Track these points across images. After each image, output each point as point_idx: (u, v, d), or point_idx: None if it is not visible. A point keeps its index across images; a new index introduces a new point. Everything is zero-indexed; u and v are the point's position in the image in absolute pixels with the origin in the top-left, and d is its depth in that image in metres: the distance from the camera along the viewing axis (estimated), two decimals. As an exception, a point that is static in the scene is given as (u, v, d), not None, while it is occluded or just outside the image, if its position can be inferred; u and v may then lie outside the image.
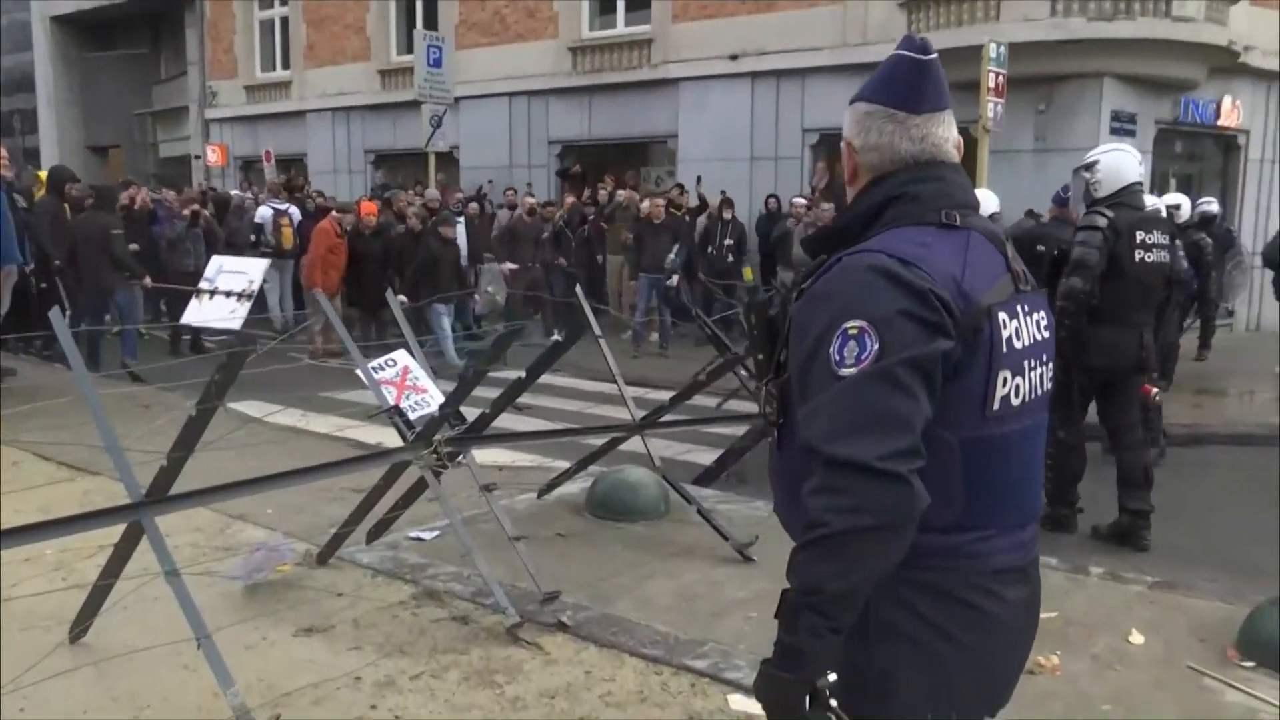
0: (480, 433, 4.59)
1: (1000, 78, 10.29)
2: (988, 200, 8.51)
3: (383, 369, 4.76)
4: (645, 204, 13.11)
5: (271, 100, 22.96)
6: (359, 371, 4.65)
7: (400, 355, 4.87)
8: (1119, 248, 5.89)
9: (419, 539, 5.24)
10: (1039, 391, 1.87)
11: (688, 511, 5.62)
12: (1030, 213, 10.31)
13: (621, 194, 14.93)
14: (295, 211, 13.87)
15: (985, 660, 1.82)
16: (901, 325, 1.69)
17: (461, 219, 13.59)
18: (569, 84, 17.69)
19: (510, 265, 13.48)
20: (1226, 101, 14.66)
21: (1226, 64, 13.98)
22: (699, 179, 15.22)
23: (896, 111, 1.90)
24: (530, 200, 14.64)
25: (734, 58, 15.89)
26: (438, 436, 4.44)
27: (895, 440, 1.65)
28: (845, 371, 1.68)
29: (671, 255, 12.62)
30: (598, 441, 5.44)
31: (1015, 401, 1.81)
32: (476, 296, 14.02)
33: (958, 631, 1.78)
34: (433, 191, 14.77)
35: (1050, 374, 1.90)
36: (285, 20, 22.56)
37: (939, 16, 13.89)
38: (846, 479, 1.63)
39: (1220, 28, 13.46)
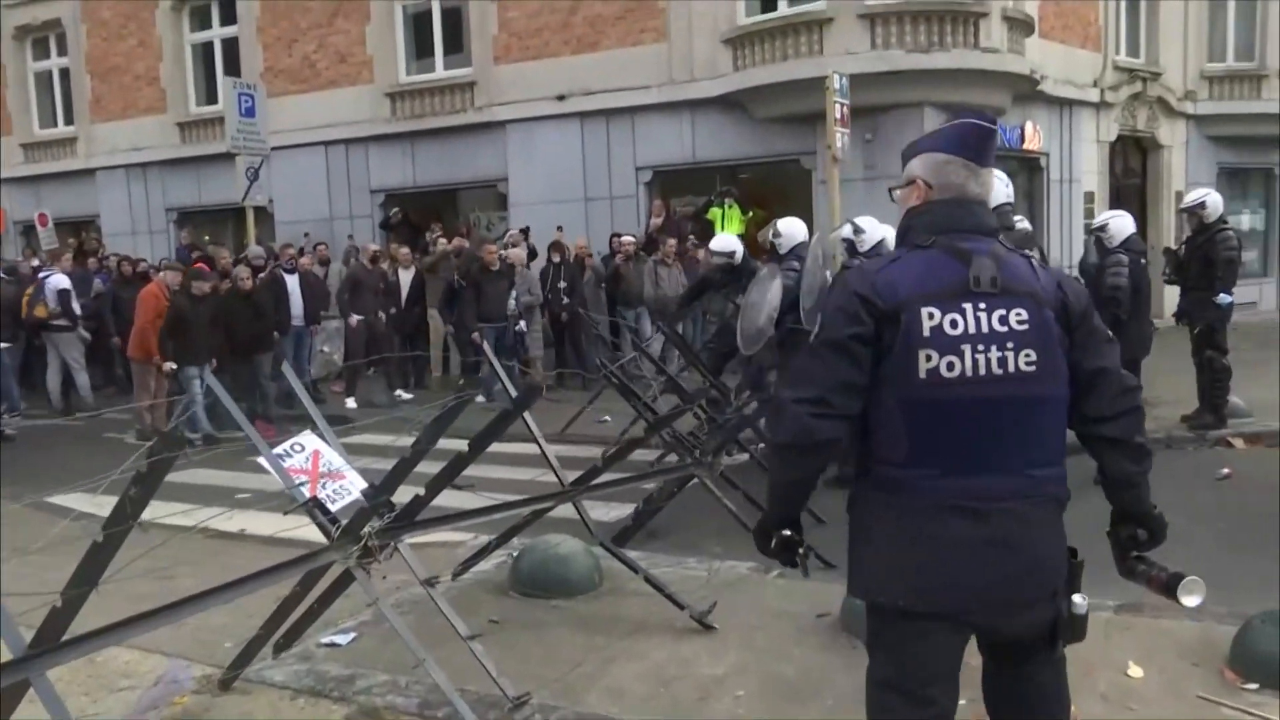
0: (414, 519, 4.01)
1: (845, 108, 10.40)
2: (800, 229, 8.54)
3: (289, 455, 4.11)
4: (506, 249, 12.63)
5: (54, 159, 21.03)
6: (263, 460, 3.98)
7: (308, 438, 4.22)
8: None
9: (333, 644, 4.56)
10: (1001, 370, 2.34)
11: (624, 580, 5.18)
12: (855, 228, 10.41)
13: (445, 242, 14.32)
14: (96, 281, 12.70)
15: (936, 570, 2.35)
16: (832, 315, 2.42)
17: (295, 274, 12.66)
18: (389, 130, 17.00)
19: (356, 317, 12.62)
20: (1029, 126, 15.49)
21: (1026, 91, 14.78)
22: (525, 231, 14.78)
23: (969, 163, 2.56)
24: (373, 248, 13.84)
25: (561, 98, 15.64)
26: (367, 529, 3.84)
27: (804, 390, 2.36)
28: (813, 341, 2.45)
29: (512, 302, 12.16)
30: (524, 511, 4.92)
31: (951, 374, 2.32)
32: (313, 356, 13.14)
33: (905, 544, 2.37)
34: (256, 249, 13.78)
35: (1030, 358, 2.35)
36: (65, 71, 20.73)
37: (764, 52, 14.08)
38: (779, 411, 2.44)
39: (1020, 57, 14.22)
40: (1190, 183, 18.82)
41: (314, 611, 4.28)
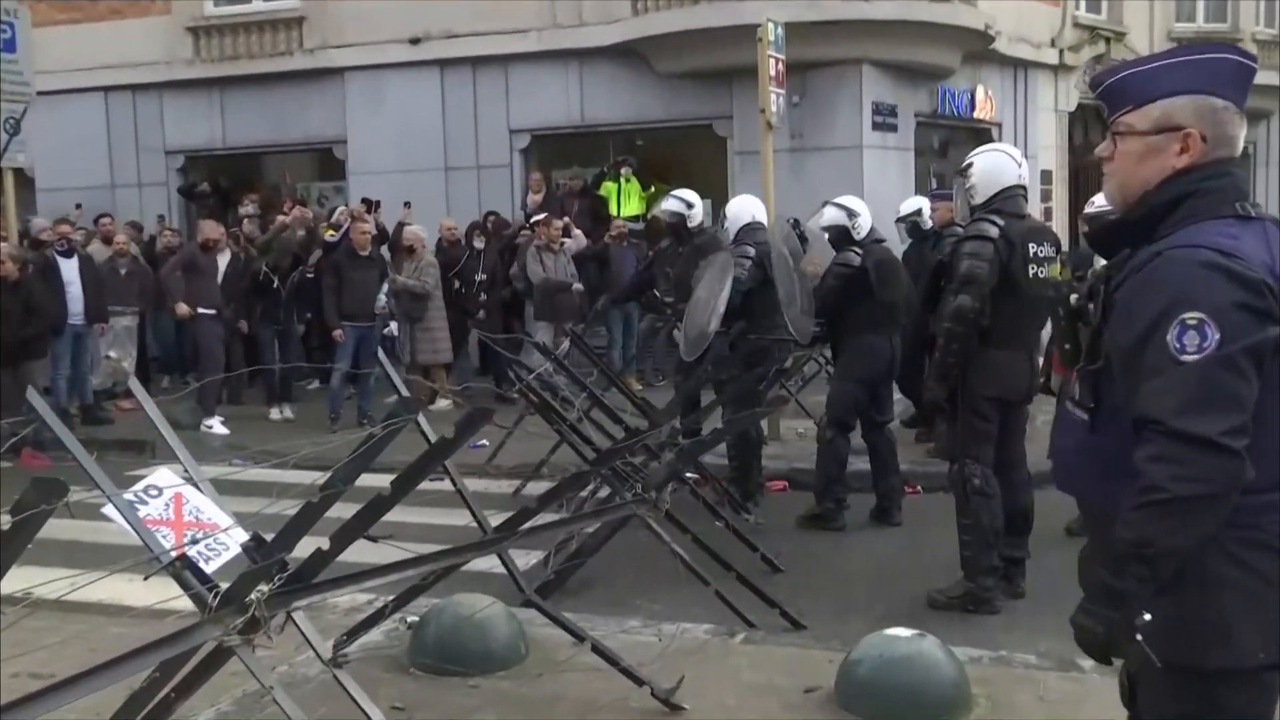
0: (313, 579, 3.81)
1: (780, 64, 10.49)
2: (747, 209, 8.62)
3: (143, 502, 3.86)
4: (366, 228, 12.30)
5: None
6: (109, 511, 3.73)
7: (163, 475, 3.98)
8: (1012, 262, 6.06)
9: (193, 744, 4.30)
10: None
11: (556, 649, 5.07)
12: (794, 223, 10.63)
13: (289, 214, 13.93)
14: None
15: None
16: (1238, 316, 2.24)
17: (74, 258, 12.11)
18: (190, 75, 16.48)
19: (204, 311, 12.11)
20: (980, 92, 16.01)
21: (978, 50, 15.26)
22: (371, 203, 14.47)
23: (1239, 111, 2.46)
24: (212, 228, 13.25)
25: (415, 41, 15.41)
26: (255, 594, 3.63)
27: (1233, 418, 2.22)
28: (1187, 358, 2.24)
29: (381, 298, 11.89)
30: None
31: None
32: (96, 364, 12.54)
33: (1270, 585, 2.32)
34: (40, 221, 13.13)
35: None
36: None
37: (677, -8, 14.12)
38: (1190, 451, 2.21)
39: (974, 9, 14.66)
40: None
41: (170, 702, 4.02)
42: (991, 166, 6.26)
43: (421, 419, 4.61)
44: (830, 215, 8.11)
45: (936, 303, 6.38)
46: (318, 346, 13.18)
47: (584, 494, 7.52)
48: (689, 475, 7.72)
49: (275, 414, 12.42)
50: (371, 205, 14.35)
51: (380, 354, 5.18)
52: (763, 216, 8.70)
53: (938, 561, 6.84)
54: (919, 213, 10.68)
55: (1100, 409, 2.46)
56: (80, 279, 12.08)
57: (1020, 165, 6.34)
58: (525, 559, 6.16)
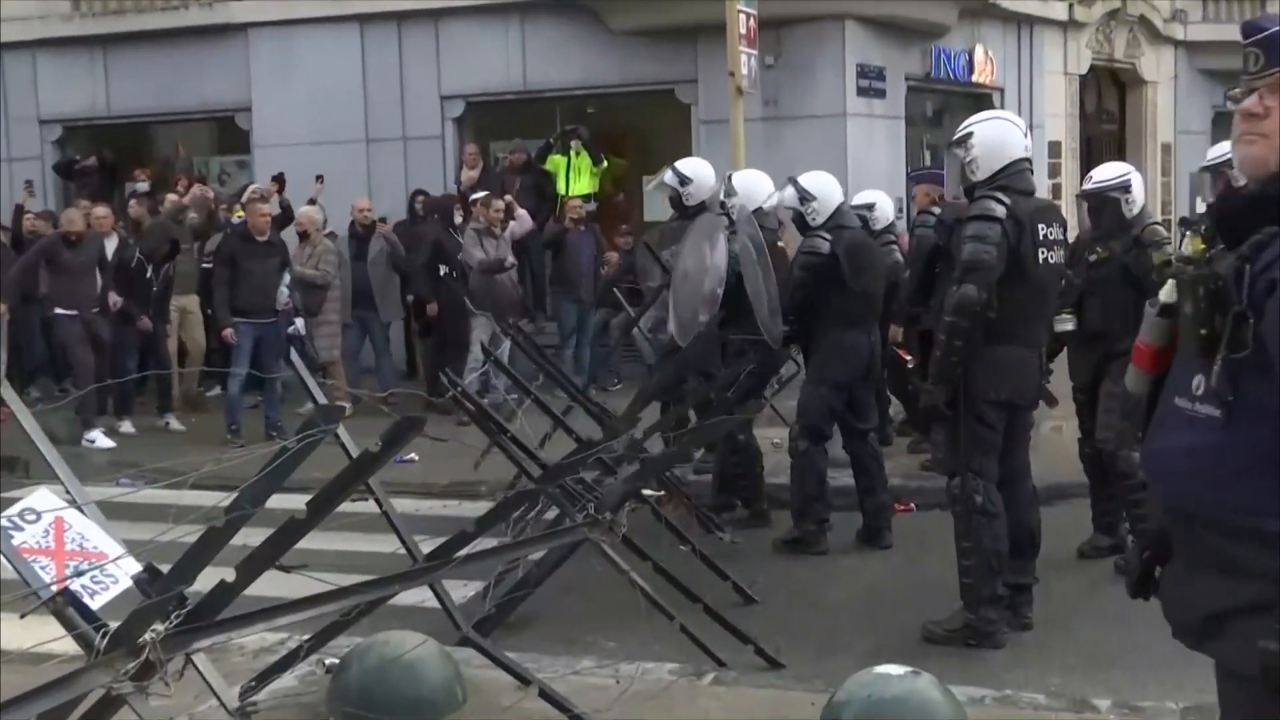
0: (216, 617, 3.80)
1: (752, 20, 10.56)
2: (759, 185, 8.66)
3: (18, 528, 3.85)
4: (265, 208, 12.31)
5: None
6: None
7: (41, 497, 3.97)
8: (1021, 245, 6.10)
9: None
10: None
11: (499, 693, 5.08)
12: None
13: (184, 193, 13.93)
14: None
15: None
16: None
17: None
18: (68, 32, 16.39)
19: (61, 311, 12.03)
20: (979, 52, 16.17)
21: (977, 4, 15.43)
22: (280, 181, 14.45)
23: None
24: (87, 208, 13.17)
25: (331, -7, 15.42)
26: (149, 635, 3.62)
27: None
28: None
29: (283, 290, 11.88)
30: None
31: None
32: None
33: None
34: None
35: None
36: None
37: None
38: None
39: (972, -42, 14.84)
40: (1180, 129, 20.06)
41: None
42: (996, 137, 6.27)
43: (342, 431, 4.60)
44: (784, 196, 8.18)
45: (930, 293, 6.44)
46: (216, 348, 13.12)
47: (530, 516, 7.55)
48: (650, 492, 7.76)
49: (172, 423, 12.40)
50: (279, 182, 14.35)
51: (294, 356, 5.16)
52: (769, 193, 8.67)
53: (934, 589, 6.90)
54: (870, 208, 10.12)
55: (1239, 403, 2.44)
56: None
57: (1026, 136, 6.41)
58: (462, 591, 6.17)
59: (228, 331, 11.70)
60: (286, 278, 12.02)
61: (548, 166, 14.77)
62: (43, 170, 16.78)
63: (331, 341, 12.86)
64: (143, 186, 15.38)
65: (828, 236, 7.93)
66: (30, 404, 9.30)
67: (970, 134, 6.30)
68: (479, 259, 12.51)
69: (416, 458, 10.30)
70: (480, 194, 13.41)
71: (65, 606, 3.65)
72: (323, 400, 4.82)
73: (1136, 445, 2.91)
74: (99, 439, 11.70)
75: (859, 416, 8.27)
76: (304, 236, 12.70)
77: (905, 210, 13.67)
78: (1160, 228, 7.56)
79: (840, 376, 8.04)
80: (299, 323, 12.35)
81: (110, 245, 12.46)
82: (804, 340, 8.26)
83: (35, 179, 16.46)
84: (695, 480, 9.25)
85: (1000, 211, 6.08)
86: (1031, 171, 6.43)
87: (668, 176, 9.21)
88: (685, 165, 9.22)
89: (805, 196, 8.02)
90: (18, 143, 16.97)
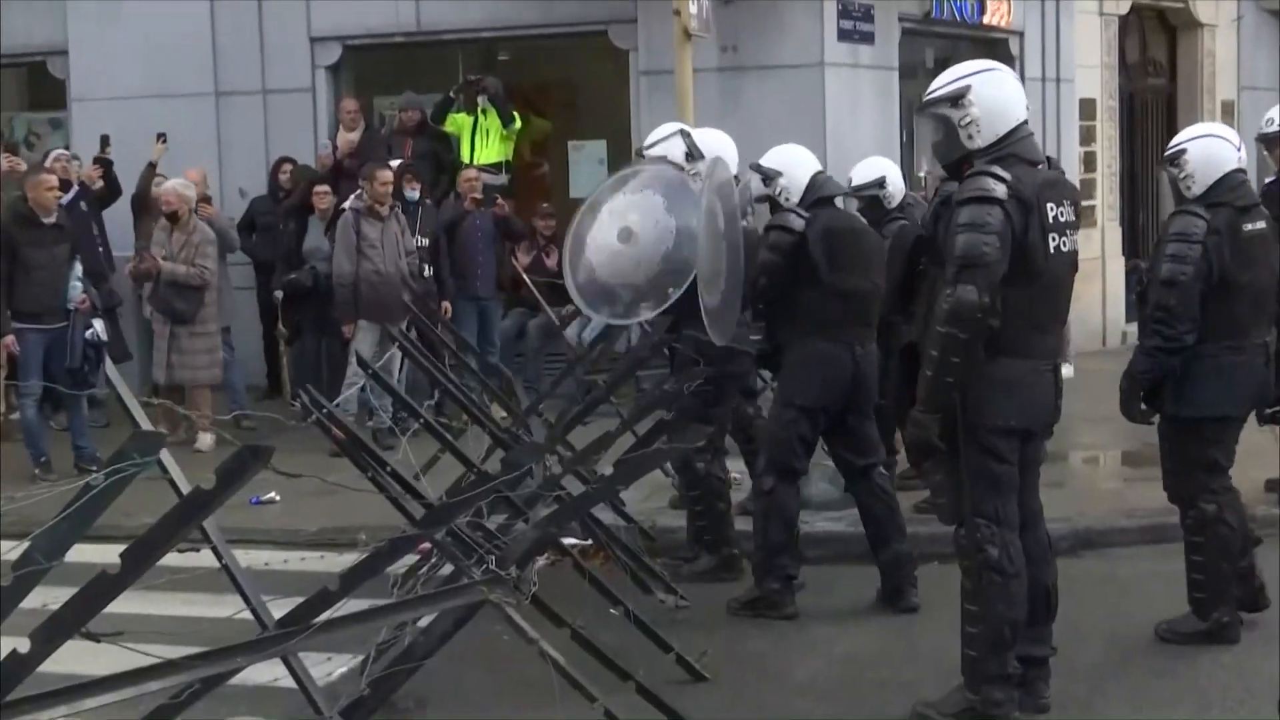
0: (6, 697, 3.83)
1: (705, -51, 10.65)
2: (724, 150, 8.65)
3: None
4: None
5: None
6: None
7: None
8: (1029, 232, 6.11)
9: None
10: None
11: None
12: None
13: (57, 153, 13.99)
14: None
15: None
16: None
17: None
18: None
19: None
20: (992, -12, 16.32)
21: (988, -74, 15.61)
22: (104, 141, 14.41)
23: None
24: None
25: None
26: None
27: None
28: None
29: (76, 283, 11.93)
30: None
31: None
32: None
33: None
34: None
35: None
36: None
37: None
38: None
39: None
40: (1244, 85, 20.25)
41: None
42: (998, 92, 6.21)
43: (169, 460, 4.63)
44: (750, 186, 8.31)
45: (912, 297, 6.48)
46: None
47: (422, 572, 7.56)
48: (573, 541, 7.80)
49: None
50: (104, 144, 14.35)
51: (108, 368, 5.16)
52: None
53: (927, 662, 6.99)
54: (881, 184, 10.07)
55: None
56: None
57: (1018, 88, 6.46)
58: (325, 667, 6.15)
59: (8, 339, 11.62)
60: (78, 268, 12.01)
61: (448, 128, 14.79)
62: None
63: (211, 359, 12.78)
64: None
65: (804, 214, 7.97)
66: None
67: (966, 88, 6.21)
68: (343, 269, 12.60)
69: (278, 498, 10.30)
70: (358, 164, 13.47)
71: None
72: (144, 421, 4.83)
73: None
74: None
75: (856, 450, 8.29)
76: (173, 219, 12.61)
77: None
78: None
79: (811, 398, 8.06)
80: (97, 324, 12.13)
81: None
82: (771, 349, 8.30)
83: None
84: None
85: (1001, 191, 5.97)
86: (1030, 133, 6.44)
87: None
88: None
89: (768, 175, 8.10)
90: None
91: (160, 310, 12.63)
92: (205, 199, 13.82)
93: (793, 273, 7.91)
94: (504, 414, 9.84)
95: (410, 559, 7.75)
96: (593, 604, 6.96)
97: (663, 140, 8.60)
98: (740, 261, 8.12)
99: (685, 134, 8.61)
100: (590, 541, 8.46)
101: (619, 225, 8.14)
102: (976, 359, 6.03)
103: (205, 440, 12.04)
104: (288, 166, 14.47)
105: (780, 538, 8.09)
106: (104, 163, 14.36)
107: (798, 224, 7.90)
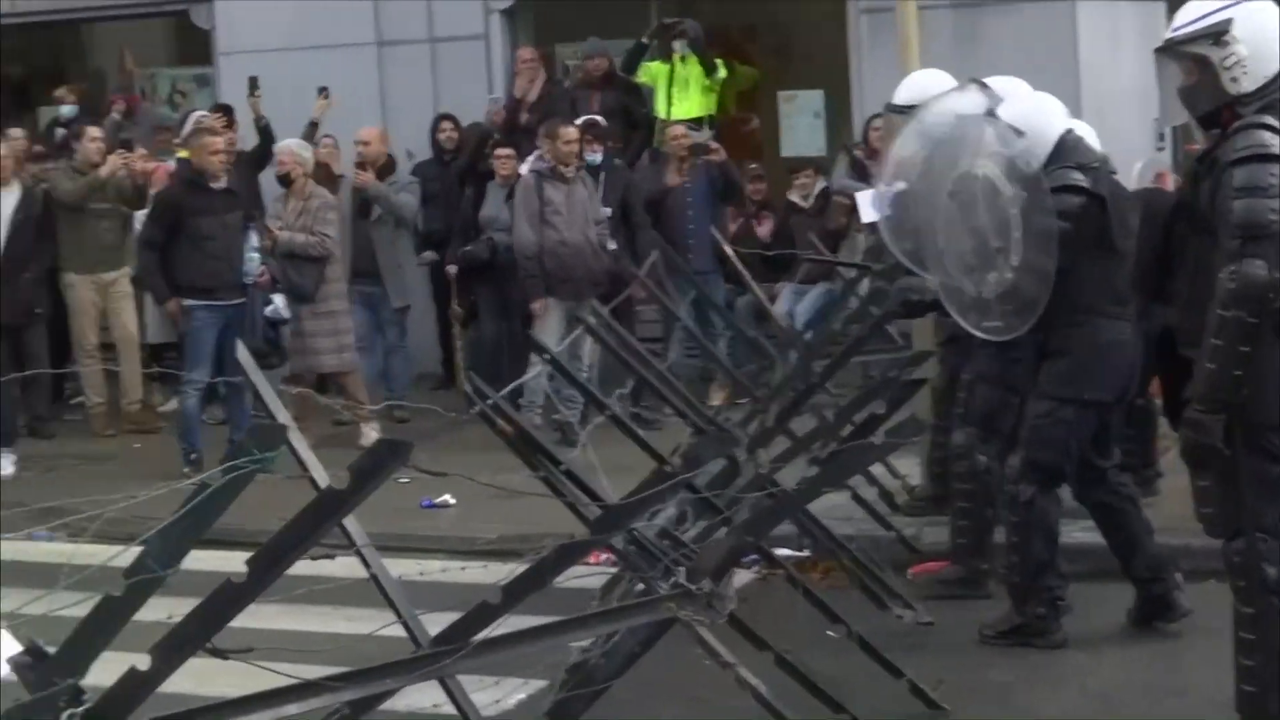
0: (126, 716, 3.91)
1: None
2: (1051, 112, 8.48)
3: None
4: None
5: None
6: None
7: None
8: None
9: None
10: None
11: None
12: None
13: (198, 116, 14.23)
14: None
15: None
16: None
17: None
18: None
19: None
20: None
21: None
22: (253, 84, 14.64)
23: None
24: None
25: None
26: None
27: None
28: None
29: (253, 255, 12.20)
30: None
31: None
32: None
33: None
34: None
35: None
36: None
37: None
38: None
39: None
40: None
41: None
42: (1265, 27, 6.07)
43: (308, 456, 4.67)
44: (968, 100, 8.09)
45: (1168, 275, 6.33)
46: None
47: (620, 586, 7.58)
48: (787, 552, 7.76)
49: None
50: (252, 86, 14.56)
51: (240, 354, 5.21)
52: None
53: (1196, 695, 6.89)
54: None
55: None
56: None
57: None
58: (494, 692, 6.17)
59: (172, 305, 12.00)
60: (254, 239, 12.23)
61: (640, 78, 14.82)
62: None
63: (337, 343, 12.93)
64: (68, 111, 15.69)
65: (1080, 176, 7.83)
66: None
67: (1229, 21, 6.10)
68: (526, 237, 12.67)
69: (453, 501, 10.41)
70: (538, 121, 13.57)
71: (-90, 706, 3.76)
72: (282, 414, 4.88)
73: None
74: (5, 463, 12.11)
75: (1102, 450, 8.13)
76: (288, 183, 12.87)
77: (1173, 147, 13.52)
78: None
79: (1100, 390, 7.92)
80: (278, 300, 12.48)
81: (7, 199, 12.80)
82: (1042, 331, 8.13)
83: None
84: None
85: (1278, 144, 5.94)
86: None
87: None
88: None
89: (992, 103, 7.97)
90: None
91: (284, 289, 12.76)
92: (386, 162, 14.07)
93: (1080, 242, 7.74)
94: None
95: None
96: (808, 624, 6.92)
97: (945, 94, 8.55)
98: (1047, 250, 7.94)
99: (983, 86, 8.48)
100: (807, 554, 8.42)
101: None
102: (1263, 346, 5.88)
103: (369, 434, 12.21)
104: (449, 124, 14.63)
105: (1043, 555, 7.94)
106: (228, 110, 14.70)
107: (1081, 180, 7.75)
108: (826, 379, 9.17)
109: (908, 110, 8.74)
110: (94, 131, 14.09)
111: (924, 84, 8.98)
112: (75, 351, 13.84)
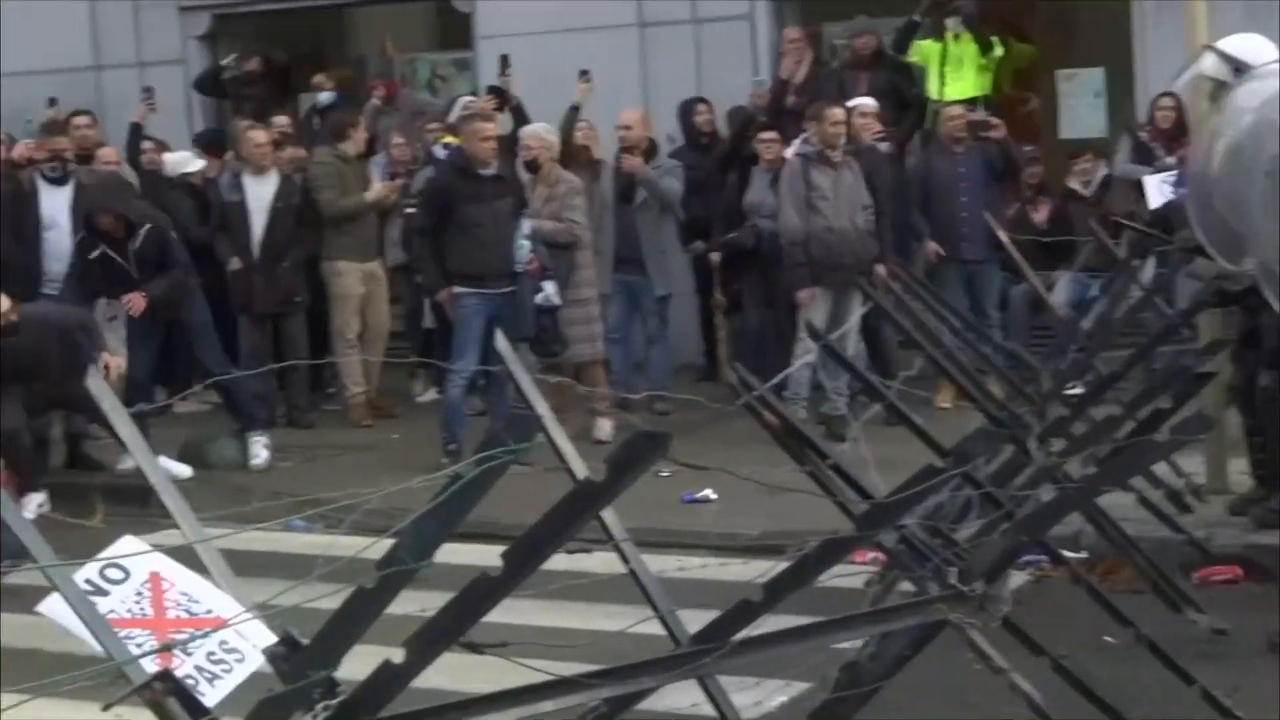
0: (379, 713, 3.96)
1: None
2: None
3: (102, 588, 4.08)
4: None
5: None
6: (48, 607, 3.98)
7: (127, 546, 4.20)
8: None
9: None
10: None
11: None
12: None
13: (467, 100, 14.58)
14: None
15: None
16: None
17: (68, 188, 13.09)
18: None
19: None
20: None
21: None
22: (504, 63, 14.79)
23: None
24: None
25: None
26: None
27: None
28: None
29: (524, 242, 12.28)
30: None
31: None
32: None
33: None
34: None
35: None
36: None
37: None
38: None
39: None
40: None
41: None
42: None
43: (566, 446, 4.71)
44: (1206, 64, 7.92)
45: None
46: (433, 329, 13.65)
47: (885, 586, 7.56)
48: (1071, 555, 7.69)
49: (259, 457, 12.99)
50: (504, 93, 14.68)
51: (499, 343, 5.26)
52: None
53: None
54: None
55: None
56: (74, 222, 12.87)
57: None
58: (754, 693, 6.18)
59: (444, 293, 12.22)
60: (526, 226, 12.35)
61: (911, 57, 14.72)
62: (184, 78, 17.54)
63: (589, 332, 13.03)
64: (326, 97, 16.05)
65: None
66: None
67: None
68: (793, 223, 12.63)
69: (714, 496, 10.43)
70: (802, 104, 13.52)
71: (166, 697, 3.83)
72: (540, 405, 4.91)
73: None
74: (261, 452, 12.47)
75: None
76: (534, 168, 12.96)
77: None
78: None
79: None
80: (548, 288, 12.52)
81: (265, 188, 13.16)
82: None
83: (175, 89, 17.23)
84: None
85: None
86: None
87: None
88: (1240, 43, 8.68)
89: (1240, 67, 7.81)
90: (151, 41, 17.80)
91: (553, 275, 12.79)
92: (648, 147, 14.13)
93: None
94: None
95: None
96: (1086, 628, 6.83)
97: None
98: None
99: None
100: (1085, 555, 8.32)
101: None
102: None
103: (604, 427, 12.25)
104: (704, 108, 14.58)
105: None
106: (500, 93, 14.80)
107: None
108: (1129, 370, 9.11)
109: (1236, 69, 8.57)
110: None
111: (1254, 46, 8.74)
112: (335, 341, 14.14)
